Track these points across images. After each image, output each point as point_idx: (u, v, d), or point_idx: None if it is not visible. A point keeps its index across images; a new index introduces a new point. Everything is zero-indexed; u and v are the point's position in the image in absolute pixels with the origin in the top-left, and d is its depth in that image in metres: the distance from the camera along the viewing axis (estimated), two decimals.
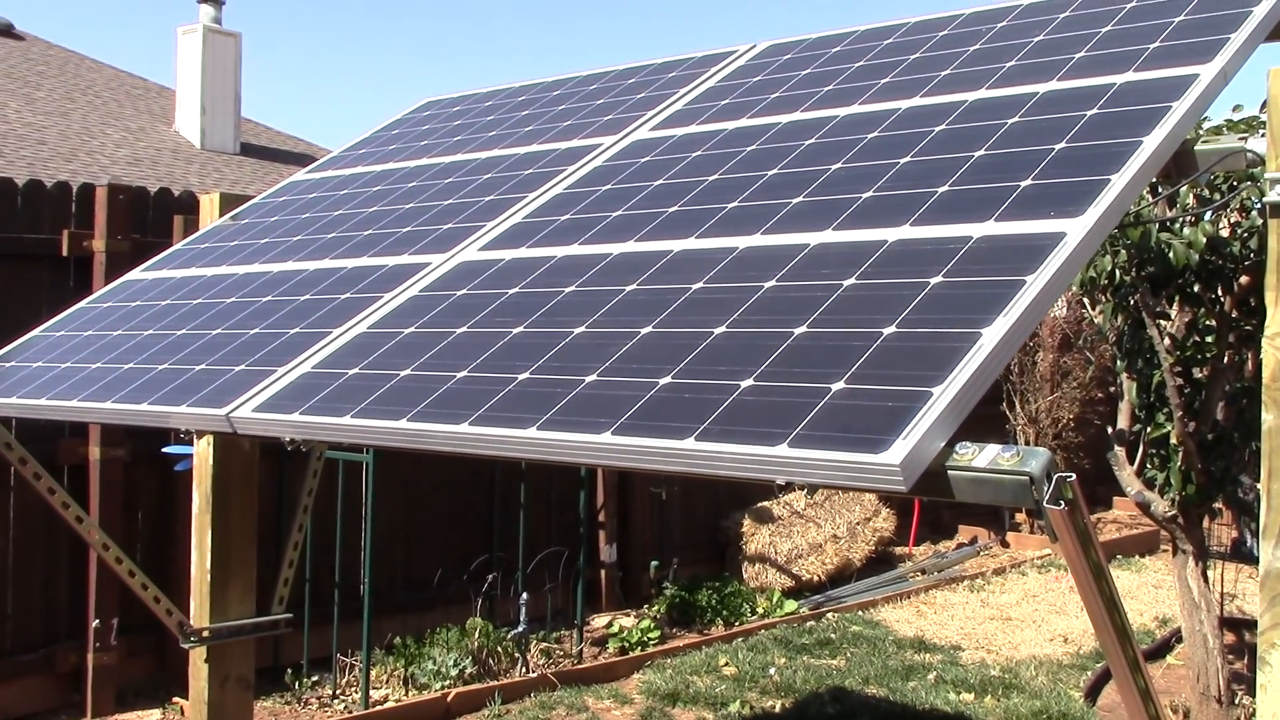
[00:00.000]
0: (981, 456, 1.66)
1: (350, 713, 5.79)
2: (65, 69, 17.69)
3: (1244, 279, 5.03)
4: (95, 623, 5.80)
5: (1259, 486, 2.26)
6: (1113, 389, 5.94)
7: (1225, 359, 5.20)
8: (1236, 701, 5.43)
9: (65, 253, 5.91)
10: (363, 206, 3.83)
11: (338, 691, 6.09)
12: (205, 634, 3.95)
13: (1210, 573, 5.54)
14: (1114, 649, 1.80)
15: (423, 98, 4.98)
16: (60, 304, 5.06)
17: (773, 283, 2.30)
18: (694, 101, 3.62)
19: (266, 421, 2.56)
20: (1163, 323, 5.26)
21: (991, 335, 1.85)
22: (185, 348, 3.16)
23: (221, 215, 4.27)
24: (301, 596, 6.18)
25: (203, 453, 3.98)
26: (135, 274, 4.06)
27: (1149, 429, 5.45)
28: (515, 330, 2.51)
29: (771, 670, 6.50)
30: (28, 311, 5.54)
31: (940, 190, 2.41)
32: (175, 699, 5.90)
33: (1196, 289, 5.17)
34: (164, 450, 5.85)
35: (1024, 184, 2.29)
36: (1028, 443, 9.63)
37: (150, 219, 6.24)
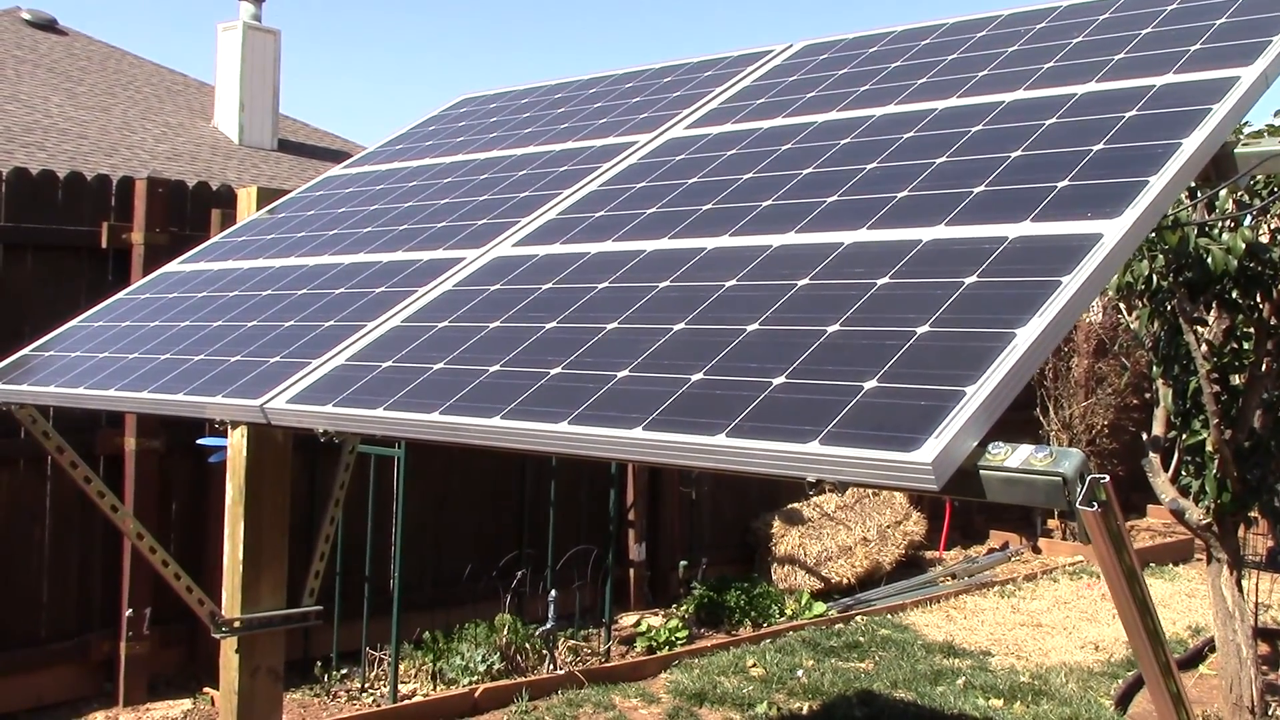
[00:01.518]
0: (1014, 456, 1.66)
1: (379, 706, 5.82)
2: (107, 64, 17.87)
3: None
4: (128, 612, 5.85)
5: None
6: (1148, 395, 5.89)
7: (1263, 366, 5.15)
8: (1270, 713, 5.38)
9: (104, 245, 5.97)
10: (398, 201, 3.85)
11: (366, 685, 6.12)
12: (237, 624, 3.98)
13: (1245, 582, 5.49)
14: (1146, 653, 1.78)
15: (459, 95, 5.01)
16: (98, 295, 5.12)
17: (806, 281, 2.29)
18: (729, 100, 3.62)
19: (301, 413, 2.58)
20: (1200, 329, 5.22)
21: (1026, 335, 1.84)
22: (221, 339, 3.19)
23: (258, 209, 4.30)
24: (332, 590, 6.22)
25: (236, 445, 4.02)
26: (173, 266, 4.10)
27: (1185, 436, 5.40)
28: (548, 325, 2.51)
29: (799, 672, 6.48)
30: (66, 302, 5.60)
31: (976, 190, 2.40)
32: (206, 689, 5.95)
33: (1235, 295, 5.13)
34: (198, 442, 5.90)
35: (1061, 185, 2.28)
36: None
37: (188, 212, 6.29)
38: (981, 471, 1.67)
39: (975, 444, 1.70)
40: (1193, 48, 2.69)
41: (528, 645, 6.43)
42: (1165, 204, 2.15)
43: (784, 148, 3.05)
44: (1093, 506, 1.61)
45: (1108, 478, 1.63)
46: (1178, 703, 1.85)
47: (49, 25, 18.36)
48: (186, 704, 5.87)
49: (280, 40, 17.73)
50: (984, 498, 1.67)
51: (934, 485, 1.64)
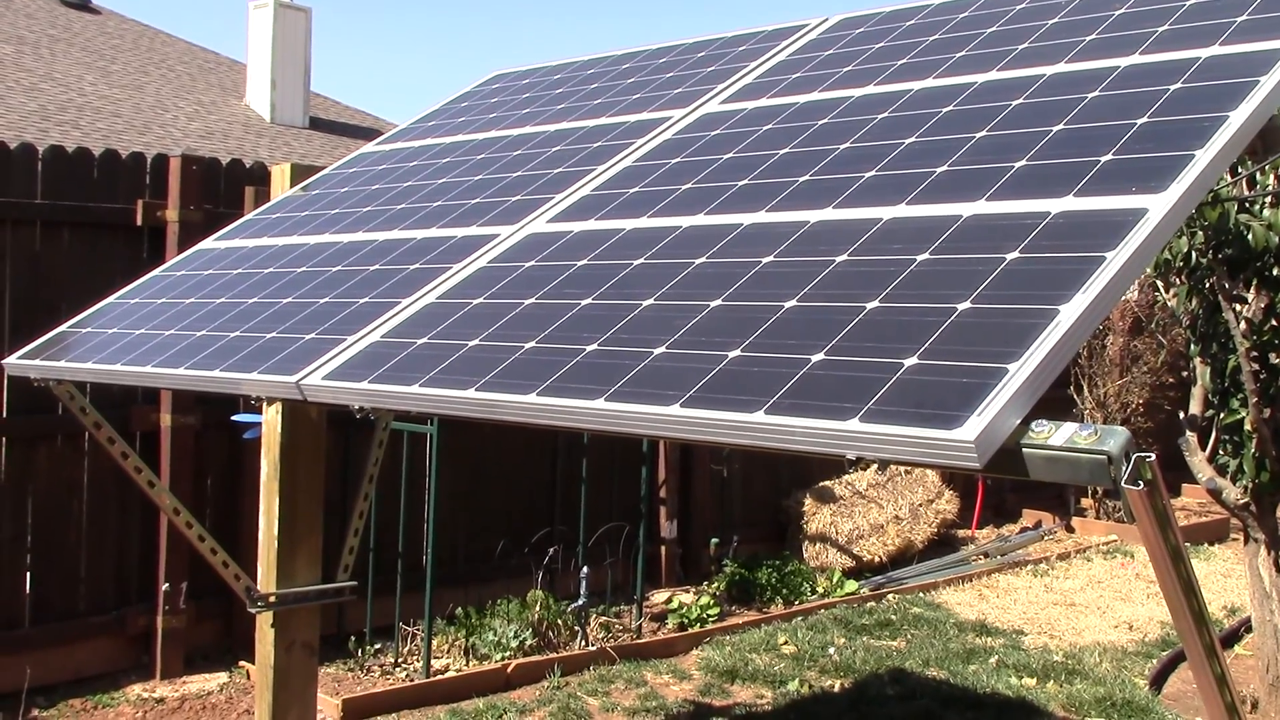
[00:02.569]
0: (1058, 435, 1.64)
1: (412, 681, 5.86)
2: (140, 43, 17.95)
3: None
4: (165, 586, 5.91)
5: None
6: (1185, 374, 5.83)
7: None
8: None
9: (140, 222, 6.00)
10: (432, 178, 3.84)
11: (400, 660, 6.16)
12: (272, 599, 4.01)
13: None
14: (1190, 634, 1.76)
15: (491, 71, 4.99)
16: (134, 273, 5.14)
17: (844, 257, 2.27)
18: (765, 75, 3.59)
19: (336, 389, 2.58)
20: (1239, 306, 5.15)
21: (1070, 312, 1.81)
22: (256, 316, 3.19)
23: (292, 186, 4.31)
24: (365, 565, 6.25)
25: (271, 421, 4.03)
26: (208, 243, 4.11)
27: (1223, 414, 5.34)
28: (583, 302, 2.50)
29: (831, 650, 6.48)
30: (102, 280, 5.63)
31: (1017, 165, 2.37)
32: (241, 663, 6.00)
33: (1276, 272, 5.05)
34: (233, 418, 5.93)
35: (1104, 159, 2.25)
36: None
37: (222, 190, 6.32)
38: (1024, 450, 1.65)
39: (1018, 422, 1.68)
40: (1239, 19, 2.64)
41: (560, 621, 6.45)
42: (1211, 178, 2.11)
43: (820, 123, 3.02)
44: (1138, 485, 1.59)
45: (1153, 456, 1.61)
46: (1221, 684, 1.83)
47: (83, 5, 18.45)
48: (223, 677, 5.93)
49: (311, 18, 17.77)
50: (1027, 476, 1.65)
51: (976, 464, 1.62)
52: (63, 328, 3.79)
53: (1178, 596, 1.72)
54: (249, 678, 5.87)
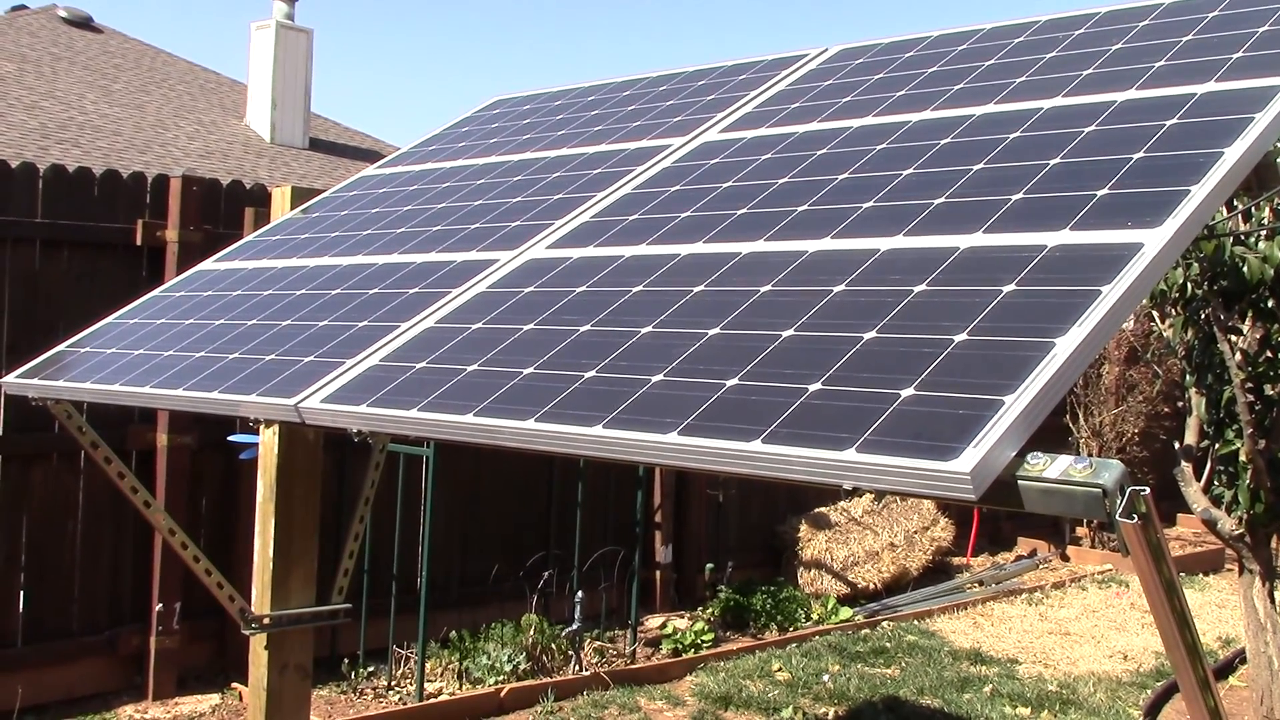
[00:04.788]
0: (1053, 467, 1.65)
1: (405, 704, 5.84)
2: (141, 62, 18.01)
3: None
4: (158, 606, 5.90)
5: None
6: (1180, 404, 5.84)
7: None
8: None
9: (139, 242, 6.02)
10: (432, 202, 3.86)
11: (393, 683, 6.14)
12: (266, 621, 4.00)
13: (1277, 594, 5.44)
14: (1184, 666, 1.77)
15: (492, 96, 5.02)
16: (133, 293, 5.16)
17: (842, 287, 2.29)
18: (764, 104, 3.61)
19: (334, 412, 2.59)
20: (1234, 338, 5.17)
21: (1066, 345, 1.83)
22: (255, 338, 3.20)
23: (293, 208, 4.33)
24: (360, 588, 6.24)
25: (268, 442, 4.04)
26: (207, 264, 4.13)
27: (1218, 445, 5.35)
28: (582, 328, 2.51)
29: (825, 677, 6.46)
30: (101, 299, 5.64)
31: (1014, 198, 2.39)
32: (234, 685, 5.98)
33: (1270, 304, 5.08)
34: (229, 439, 5.93)
35: (1100, 193, 2.26)
36: (1090, 456, 9.50)
37: (222, 210, 6.33)
38: (1020, 482, 1.66)
39: (1014, 454, 1.69)
40: (1235, 55, 2.66)
41: (553, 646, 6.44)
42: (1207, 214, 2.13)
43: (819, 152, 3.04)
44: (1132, 519, 1.60)
45: (1148, 489, 1.61)
46: (1215, 717, 1.84)
47: (85, 23, 18.52)
48: (215, 699, 5.91)
49: (313, 39, 17.84)
50: (1022, 508, 1.66)
51: (972, 495, 1.63)
52: (61, 347, 3.79)
53: (1171, 629, 1.73)
54: (241, 699, 5.85)
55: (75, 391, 3.38)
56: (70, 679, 5.75)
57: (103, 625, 5.89)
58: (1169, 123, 2.46)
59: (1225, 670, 6.85)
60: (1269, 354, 5.21)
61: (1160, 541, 1.66)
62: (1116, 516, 1.59)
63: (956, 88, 3.14)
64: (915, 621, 7.77)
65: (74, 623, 5.80)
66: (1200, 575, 9.48)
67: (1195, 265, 5.07)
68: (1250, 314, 5.17)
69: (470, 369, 2.52)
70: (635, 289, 2.62)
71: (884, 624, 7.63)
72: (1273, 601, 5.33)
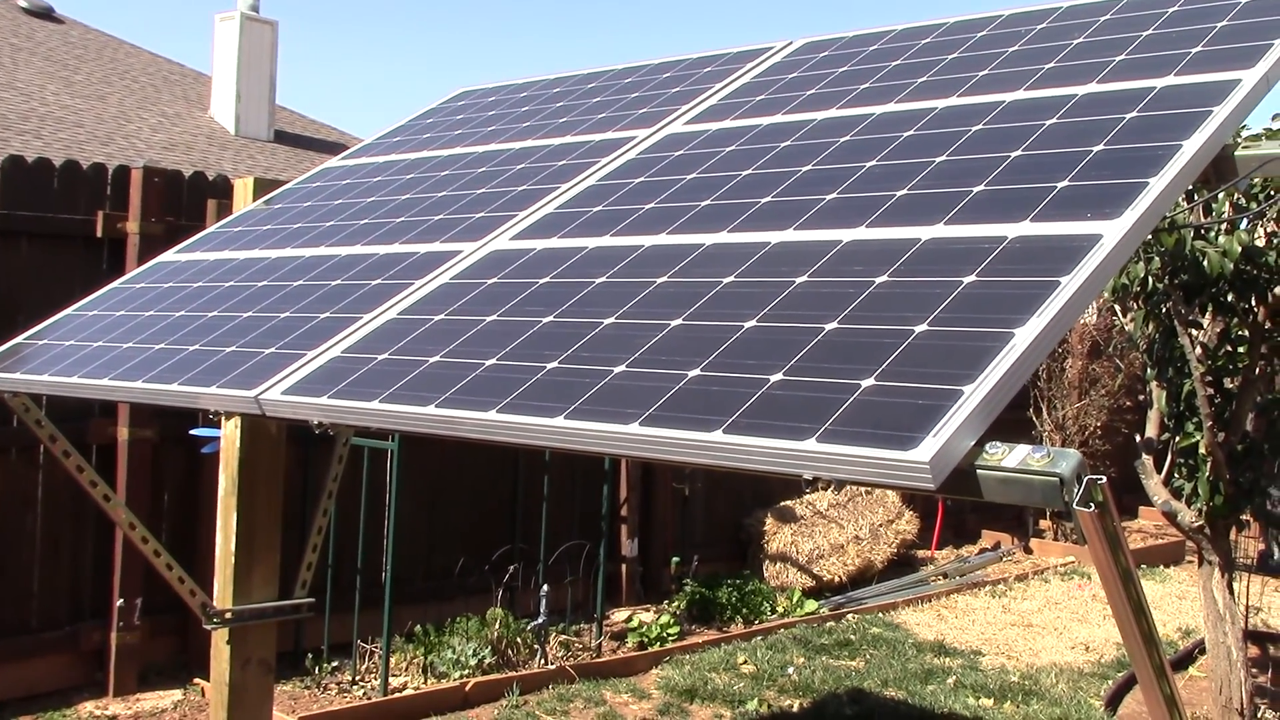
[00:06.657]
0: (1011, 456, 1.66)
1: (369, 699, 5.81)
2: (103, 53, 17.81)
3: (1278, 289, 4.98)
4: (119, 602, 5.84)
5: None
6: (1141, 397, 5.90)
7: (1257, 370, 5.16)
8: (1259, 716, 5.39)
9: (100, 234, 5.96)
10: (396, 194, 3.84)
11: (357, 677, 6.12)
12: (228, 616, 3.98)
13: (1236, 585, 5.50)
14: (1140, 654, 1.78)
15: (457, 88, 5.00)
16: (93, 285, 5.09)
17: (804, 278, 2.29)
18: (729, 97, 3.62)
19: (295, 404, 2.57)
20: (1194, 331, 5.22)
21: (1024, 335, 1.84)
22: (216, 330, 3.18)
23: (255, 200, 4.29)
24: (324, 582, 6.21)
25: (230, 435, 4.01)
26: (168, 256, 4.09)
27: (1178, 438, 5.41)
28: (545, 320, 2.51)
29: (790, 669, 6.49)
30: (61, 291, 5.58)
31: (975, 190, 2.40)
32: (196, 680, 5.94)
33: (1230, 298, 5.13)
34: (191, 432, 5.88)
35: (1061, 185, 2.28)
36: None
37: (184, 202, 6.27)
38: (979, 471, 1.67)
39: (972, 443, 1.70)
40: (1194, 50, 2.69)
41: (519, 640, 6.43)
42: (1165, 206, 2.15)
43: (783, 145, 3.05)
44: (1089, 507, 1.61)
45: (1105, 479, 1.63)
46: (1171, 705, 1.85)
47: (46, 13, 18.30)
48: (177, 694, 5.86)
49: (277, 31, 17.70)
50: (981, 497, 1.67)
51: (931, 484, 1.64)
52: (19, 339, 3.75)
53: (1128, 617, 1.74)
54: (204, 695, 5.81)
55: (33, 384, 3.34)
56: (30, 675, 5.69)
57: (63, 621, 5.83)
58: (1129, 116, 2.48)
59: (1185, 661, 6.93)
60: (1228, 347, 5.27)
61: (1117, 530, 1.67)
62: (1074, 505, 1.60)
63: (920, 80, 3.16)
64: (880, 614, 7.81)
65: (34, 619, 5.74)
66: (1161, 567, 9.57)
67: (1156, 259, 5.11)
68: (1210, 308, 5.23)
69: (433, 360, 2.51)
70: (598, 280, 2.61)
71: (849, 617, 7.66)
72: (1232, 592, 5.39)
